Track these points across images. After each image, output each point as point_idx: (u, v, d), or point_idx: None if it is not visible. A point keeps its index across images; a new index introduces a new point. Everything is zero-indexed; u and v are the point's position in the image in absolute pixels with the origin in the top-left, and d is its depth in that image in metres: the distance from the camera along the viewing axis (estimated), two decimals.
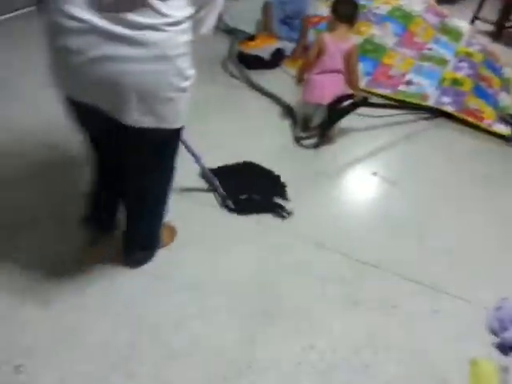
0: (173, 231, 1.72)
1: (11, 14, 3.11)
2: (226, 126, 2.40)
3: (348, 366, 1.41)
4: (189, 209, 1.84)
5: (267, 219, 1.89)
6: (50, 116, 1.96)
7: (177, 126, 1.26)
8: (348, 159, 2.35)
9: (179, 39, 1.10)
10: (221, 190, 1.90)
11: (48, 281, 1.47)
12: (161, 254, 1.62)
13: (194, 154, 1.77)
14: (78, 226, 1.56)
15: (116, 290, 1.49)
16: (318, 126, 2.39)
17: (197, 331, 1.42)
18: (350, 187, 2.24)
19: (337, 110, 2.32)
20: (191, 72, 1.18)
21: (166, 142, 1.29)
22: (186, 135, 1.47)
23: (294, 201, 1.99)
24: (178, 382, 1.27)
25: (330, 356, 1.43)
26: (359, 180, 2.27)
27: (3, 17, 3.07)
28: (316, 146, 2.39)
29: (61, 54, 1.09)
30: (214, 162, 1.99)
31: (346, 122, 2.41)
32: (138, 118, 1.15)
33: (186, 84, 1.17)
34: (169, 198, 1.48)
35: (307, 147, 2.38)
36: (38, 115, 2.18)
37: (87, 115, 1.22)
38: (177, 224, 1.72)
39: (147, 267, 1.58)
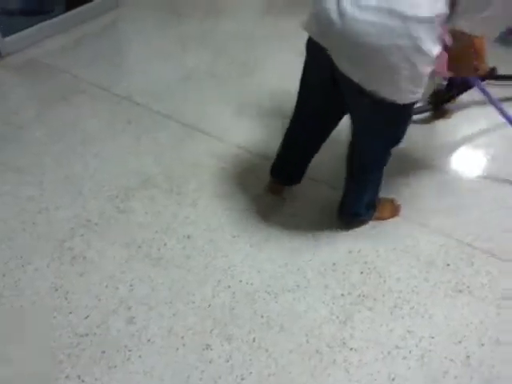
0: (395, 208, 1.78)
1: None
2: None
3: (447, 355, 1.36)
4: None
5: None
6: None
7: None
8: (462, 137, 2.18)
9: None
10: None
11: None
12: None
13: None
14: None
15: (218, 255, 1.59)
16: (435, 97, 2.22)
17: (294, 305, 1.46)
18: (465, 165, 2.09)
19: (459, 83, 2.13)
20: None
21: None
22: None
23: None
24: (272, 350, 1.34)
25: (428, 343, 1.39)
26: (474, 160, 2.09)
27: None
28: (430, 119, 2.25)
29: None
30: None
31: (466, 95, 2.21)
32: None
33: None
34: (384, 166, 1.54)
35: (418, 122, 2.24)
36: None
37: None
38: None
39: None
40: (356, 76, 1.20)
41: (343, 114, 1.49)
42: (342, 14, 1.14)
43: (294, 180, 1.77)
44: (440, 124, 2.27)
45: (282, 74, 2.51)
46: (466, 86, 2.16)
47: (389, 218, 1.76)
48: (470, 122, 2.27)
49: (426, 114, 2.28)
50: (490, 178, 1.99)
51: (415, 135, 2.18)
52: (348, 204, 1.66)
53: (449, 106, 2.27)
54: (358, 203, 1.65)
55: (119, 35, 2.91)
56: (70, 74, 2.43)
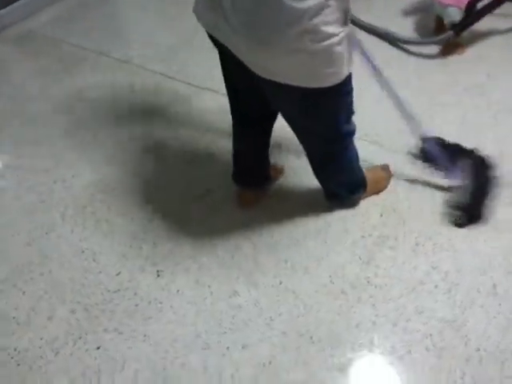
0: (386, 172, 1.70)
1: None
2: None
3: (473, 286, 1.43)
4: None
5: None
6: None
7: None
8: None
9: None
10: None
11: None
12: None
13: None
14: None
15: (238, 210, 1.66)
16: (450, 28, 2.17)
17: (316, 249, 1.53)
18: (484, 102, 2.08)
19: (475, 10, 2.11)
20: None
21: None
22: None
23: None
24: (298, 292, 1.42)
25: (454, 276, 1.46)
26: None
27: None
28: (443, 53, 2.23)
29: None
30: None
31: (483, 23, 2.19)
32: None
33: None
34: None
35: (430, 56, 2.23)
36: None
37: None
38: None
39: None
40: (266, 72, 1.11)
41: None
42: (227, 7, 1.05)
43: (259, 182, 1.67)
44: (451, 60, 2.27)
45: None
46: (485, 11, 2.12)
47: (386, 186, 1.70)
48: (483, 60, 2.24)
49: (435, 49, 2.26)
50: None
51: (424, 70, 2.18)
52: (324, 188, 1.60)
53: (462, 39, 2.24)
54: (335, 188, 1.59)
55: (115, 1, 2.91)
56: (69, 43, 2.46)
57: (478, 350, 1.29)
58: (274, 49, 1.05)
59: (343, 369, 1.26)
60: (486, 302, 1.39)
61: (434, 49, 2.27)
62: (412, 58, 2.27)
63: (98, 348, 1.30)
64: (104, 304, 1.40)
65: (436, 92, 2.08)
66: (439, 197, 1.67)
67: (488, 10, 2.14)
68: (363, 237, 1.57)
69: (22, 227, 1.62)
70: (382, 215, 1.63)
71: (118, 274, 1.47)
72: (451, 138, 1.78)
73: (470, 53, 2.26)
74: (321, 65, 1.08)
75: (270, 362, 1.27)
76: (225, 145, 1.88)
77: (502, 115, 1.95)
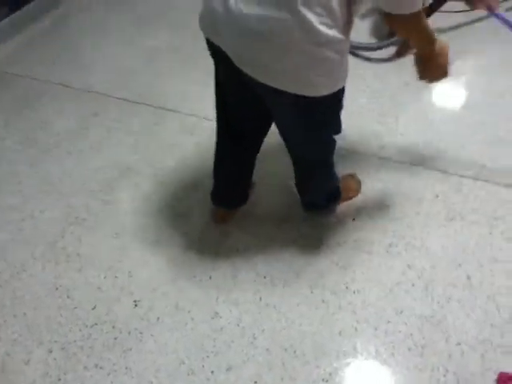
0: (358, 182, 1.72)
1: None
2: None
3: (449, 281, 1.46)
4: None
5: None
6: None
7: None
8: None
9: None
10: None
11: None
12: None
13: None
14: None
15: (212, 227, 1.65)
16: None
17: (293, 261, 1.54)
18: (442, 98, 2.15)
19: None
20: None
21: None
22: None
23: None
24: (279, 306, 1.42)
25: (429, 273, 1.49)
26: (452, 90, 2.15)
27: None
28: (394, 56, 2.28)
29: None
30: None
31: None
32: None
33: None
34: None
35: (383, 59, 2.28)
36: None
37: None
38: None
39: None
40: (260, 76, 1.10)
41: (268, 118, 1.36)
42: (228, 11, 1.06)
43: (239, 203, 1.64)
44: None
45: None
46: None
47: (356, 195, 1.71)
48: None
49: (389, 52, 2.27)
50: (467, 106, 2.07)
51: (379, 72, 2.23)
52: (304, 198, 1.60)
53: None
54: (314, 197, 1.59)
55: (70, 29, 2.89)
56: (29, 76, 2.43)
57: (459, 344, 1.32)
58: (274, 46, 1.05)
59: (329, 379, 1.27)
60: (462, 295, 1.43)
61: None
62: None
63: None
64: (82, 340, 1.36)
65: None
66: (407, 197, 1.71)
67: (432, 10, 2.19)
68: (339, 243, 1.58)
69: None
70: (354, 219, 1.65)
71: (93, 308, 1.44)
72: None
73: None
74: (317, 70, 1.08)
75: (255, 382, 1.26)
76: (193, 164, 1.88)
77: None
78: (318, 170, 1.47)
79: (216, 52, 1.19)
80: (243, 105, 1.35)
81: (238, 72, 1.12)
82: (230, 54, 1.12)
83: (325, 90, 1.12)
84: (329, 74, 1.10)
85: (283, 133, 1.34)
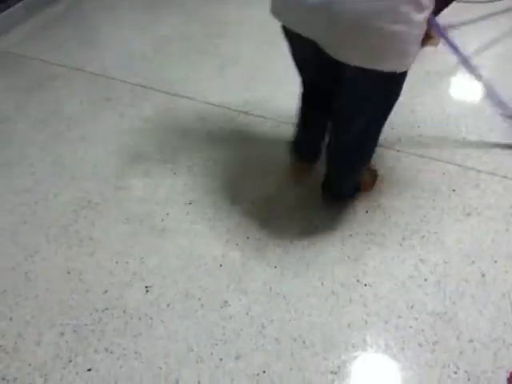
0: (374, 174, 1.74)
1: None
2: None
3: (463, 276, 1.44)
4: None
5: None
6: None
7: None
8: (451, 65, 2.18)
9: None
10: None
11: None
12: None
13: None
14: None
15: (222, 216, 1.65)
16: None
17: (304, 252, 1.53)
18: (460, 91, 2.11)
19: None
20: None
21: None
22: None
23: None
24: (289, 297, 1.42)
25: (442, 268, 1.47)
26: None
27: None
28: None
29: None
30: None
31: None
32: None
33: None
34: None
35: None
36: None
37: None
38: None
39: None
40: (348, 58, 1.14)
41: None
42: None
43: (315, 158, 1.74)
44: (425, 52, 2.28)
45: (260, 27, 2.50)
46: None
47: (372, 186, 1.72)
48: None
49: None
50: (484, 99, 2.02)
51: None
52: (334, 186, 1.63)
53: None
54: (345, 186, 1.62)
55: (84, 13, 2.88)
56: (42, 60, 2.43)
57: (471, 341, 1.31)
58: (362, 28, 1.07)
59: (338, 371, 1.27)
60: (475, 292, 1.41)
61: None
62: None
63: (89, 370, 1.29)
64: (93, 324, 1.38)
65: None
66: (422, 190, 1.69)
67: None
68: (351, 235, 1.57)
69: (5, 251, 1.60)
70: (367, 212, 1.64)
71: (105, 293, 1.45)
72: None
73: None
74: (401, 47, 1.11)
75: (264, 371, 1.27)
76: (204, 151, 1.88)
77: None
78: (359, 161, 1.51)
79: (293, 36, 1.22)
80: (320, 77, 1.41)
81: (319, 53, 1.17)
82: (313, 37, 1.15)
83: (404, 67, 1.17)
84: (410, 51, 1.14)
85: (350, 107, 1.36)
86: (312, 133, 1.66)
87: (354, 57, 1.13)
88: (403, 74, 1.19)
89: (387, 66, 1.13)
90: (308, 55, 1.29)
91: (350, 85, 1.28)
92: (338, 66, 1.18)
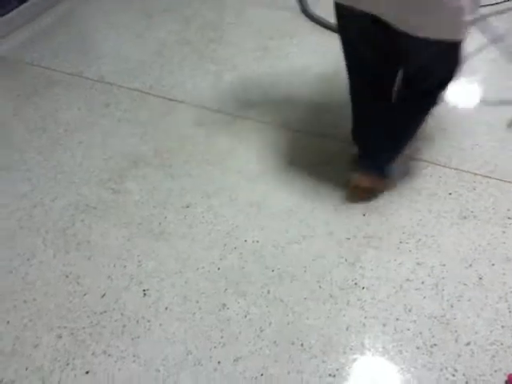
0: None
1: None
2: None
3: (460, 280, 1.46)
4: None
5: None
6: None
7: None
8: None
9: None
10: None
11: None
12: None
13: None
14: None
15: (219, 220, 1.67)
16: None
17: (302, 255, 1.54)
18: (455, 96, 2.14)
19: None
20: None
21: None
22: None
23: None
24: (287, 300, 1.43)
25: (439, 271, 1.48)
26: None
27: None
28: None
29: None
30: None
31: None
32: None
33: None
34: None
35: None
36: None
37: None
38: None
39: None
40: (422, 31, 1.21)
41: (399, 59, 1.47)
42: None
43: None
44: None
45: (258, 30, 2.54)
46: None
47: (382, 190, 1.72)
48: None
49: None
50: (479, 103, 2.05)
51: None
52: (378, 161, 1.64)
53: None
54: (385, 157, 1.64)
55: (82, 19, 2.90)
56: (40, 65, 2.45)
57: (469, 344, 1.32)
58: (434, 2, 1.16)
59: (336, 374, 1.27)
60: (472, 295, 1.42)
61: None
62: None
63: (87, 373, 1.29)
64: (91, 327, 1.38)
65: None
66: (419, 193, 1.71)
67: None
68: (348, 238, 1.58)
69: (3, 255, 1.60)
70: (364, 215, 1.65)
71: (103, 296, 1.46)
72: None
73: None
74: (463, 18, 1.19)
75: (262, 374, 1.28)
76: (201, 157, 1.89)
77: None
78: (411, 131, 1.58)
79: (347, 14, 1.31)
80: (373, 56, 1.45)
81: (375, 29, 1.28)
82: (376, 12, 1.24)
83: (465, 35, 1.24)
84: (469, 22, 1.22)
85: (413, 78, 1.44)
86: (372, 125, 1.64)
87: (423, 29, 1.20)
88: (462, 42, 1.28)
89: (453, 35, 1.22)
90: (362, 32, 1.37)
91: (413, 56, 1.36)
92: (395, 40, 1.28)
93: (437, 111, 2.00)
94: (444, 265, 1.50)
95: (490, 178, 1.74)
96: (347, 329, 1.36)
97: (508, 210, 1.63)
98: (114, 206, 1.73)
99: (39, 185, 1.83)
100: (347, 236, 1.59)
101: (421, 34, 1.21)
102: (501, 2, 2.49)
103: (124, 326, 1.39)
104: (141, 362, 1.31)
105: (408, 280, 1.47)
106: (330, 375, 1.27)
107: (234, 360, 1.30)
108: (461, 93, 2.13)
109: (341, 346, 1.33)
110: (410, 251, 1.54)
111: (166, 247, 1.59)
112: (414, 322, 1.37)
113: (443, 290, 1.44)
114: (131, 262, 1.55)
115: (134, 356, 1.32)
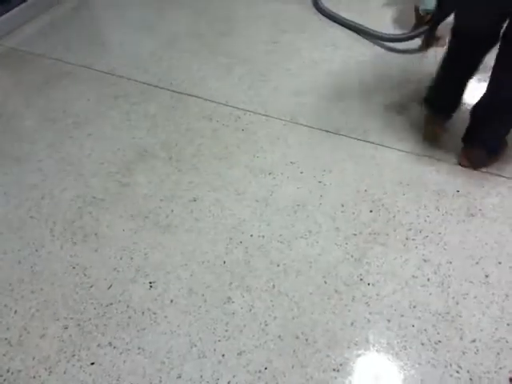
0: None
1: None
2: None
3: (466, 277, 1.44)
4: None
5: None
6: None
7: None
8: None
9: None
10: None
11: None
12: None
13: None
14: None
15: (225, 214, 1.66)
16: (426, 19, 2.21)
17: (308, 250, 1.53)
18: None
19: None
20: None
21: None
22: None
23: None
24: (292, 295, 1.42)
25: (445, 268, 1.46)
26: None
27: None
28: (422, 47, 2.24)
29: None
30: None
31: None
32: None
33: None
34: None
35: (410, 51, 2.24)
36: None
37: None
38: None
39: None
40: None
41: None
42: None
43: (450, 111, 1.84)
44: (432, 52, 2.27)
45: (270, 23, 2.51)
46: None
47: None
48: None
49: (417, 42, 2.29)
50: None
51: (406, 64, 2.20)
52: (482, 135, 1.71)
53: (442, 32, 2.26)
54: (493, 136, 1.71)
55: (93, 11, 2.90)
56: (50, 58, 2.45)
57: (474, 341, 1.30)
58: None
59: (340, 369, 1.27)
60: (478, 292, 1.40)
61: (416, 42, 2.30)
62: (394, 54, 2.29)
63: (93, 364, 1.30)
64: (97, 318, 1.39)
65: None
66: (426, 190, 1.68)
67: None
68: (354, 234, 1.57)
69: (12, 245, 1.61)
70: (371, 211, 1.63)
71: (109, 288, 1.46)
72: None
73: None
74: None
75: (266, 368, 1.27)
76: (209, 151, 1.88)
77: None
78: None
79: None
80: (488, 17, 1.51)
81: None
82: None
83: None
84: None
85: None
86: (455, 85, 1.75)
87: None
88: None
89: None
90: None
91: None
92: None
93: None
94: (450, 262, 1.48)
95: (499, 176, 1.71)
96: (352, 324, 1.35)
97: None
98: (121, 199, 1.73)
99: (49, 176, 1.84)
100: (353, 232, 1.57)
101: None
102: None
103: (130, 317, 1.39)
104: (146, 354, 1.31)
105: (414, 277, 1.45)
106: (334, 370, 1.27)
107: (238, 353, 1.30)
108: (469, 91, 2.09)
109: (345, 341, 1.32)
110: (416, 248, 1.52)
111: (172, 240, 1.59)
112: (419, 318, 1.36)
113: (449, 287, 1.42)
114: (138, 254, 1.55)
115: (139, 348, 1.32)
